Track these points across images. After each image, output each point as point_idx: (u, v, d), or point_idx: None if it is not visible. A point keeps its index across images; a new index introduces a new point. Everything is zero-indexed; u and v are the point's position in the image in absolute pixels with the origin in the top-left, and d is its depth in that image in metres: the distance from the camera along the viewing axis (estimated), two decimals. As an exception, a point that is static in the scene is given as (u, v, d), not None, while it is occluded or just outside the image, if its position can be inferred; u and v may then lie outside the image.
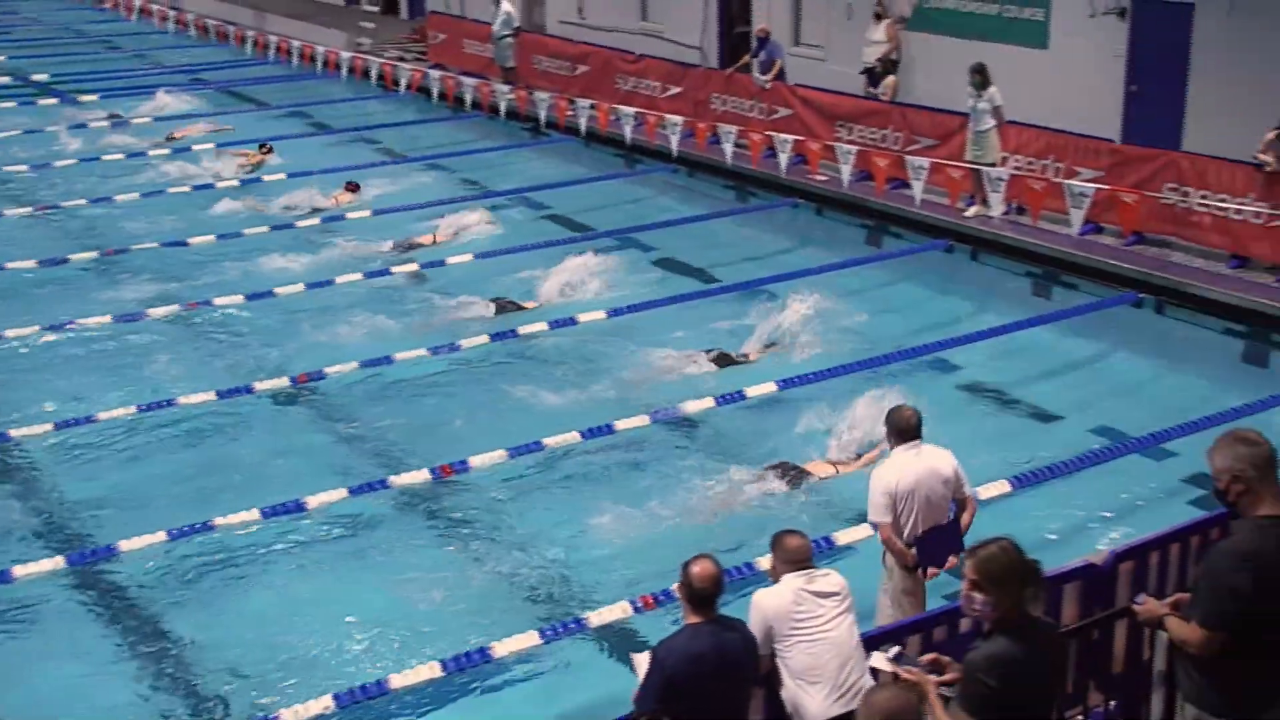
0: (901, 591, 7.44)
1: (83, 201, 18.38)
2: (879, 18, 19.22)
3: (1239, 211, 14.06)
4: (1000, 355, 12.69)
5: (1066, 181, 15.15)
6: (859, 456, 10.56)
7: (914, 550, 7.29)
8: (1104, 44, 16.96)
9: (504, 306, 14.18)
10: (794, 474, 10.26)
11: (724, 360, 12.57)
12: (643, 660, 5.96)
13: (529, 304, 14.32)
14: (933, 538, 7.28)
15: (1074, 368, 12.49)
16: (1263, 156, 13.76)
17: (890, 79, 18.85)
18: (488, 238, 16.78)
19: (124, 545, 9.39)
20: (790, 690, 5.95)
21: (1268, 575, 4.97)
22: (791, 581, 6.01)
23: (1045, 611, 6.51)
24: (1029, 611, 4.98)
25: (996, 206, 15.75)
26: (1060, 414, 11.48)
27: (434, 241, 16.58)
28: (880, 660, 5.52)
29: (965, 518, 7.44)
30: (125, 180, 19.52)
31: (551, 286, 14.74)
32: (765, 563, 6.49)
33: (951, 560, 7.36)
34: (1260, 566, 4.96)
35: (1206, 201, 14.35)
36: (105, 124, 22.98)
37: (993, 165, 15.84)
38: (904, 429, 7.36)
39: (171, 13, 33.13)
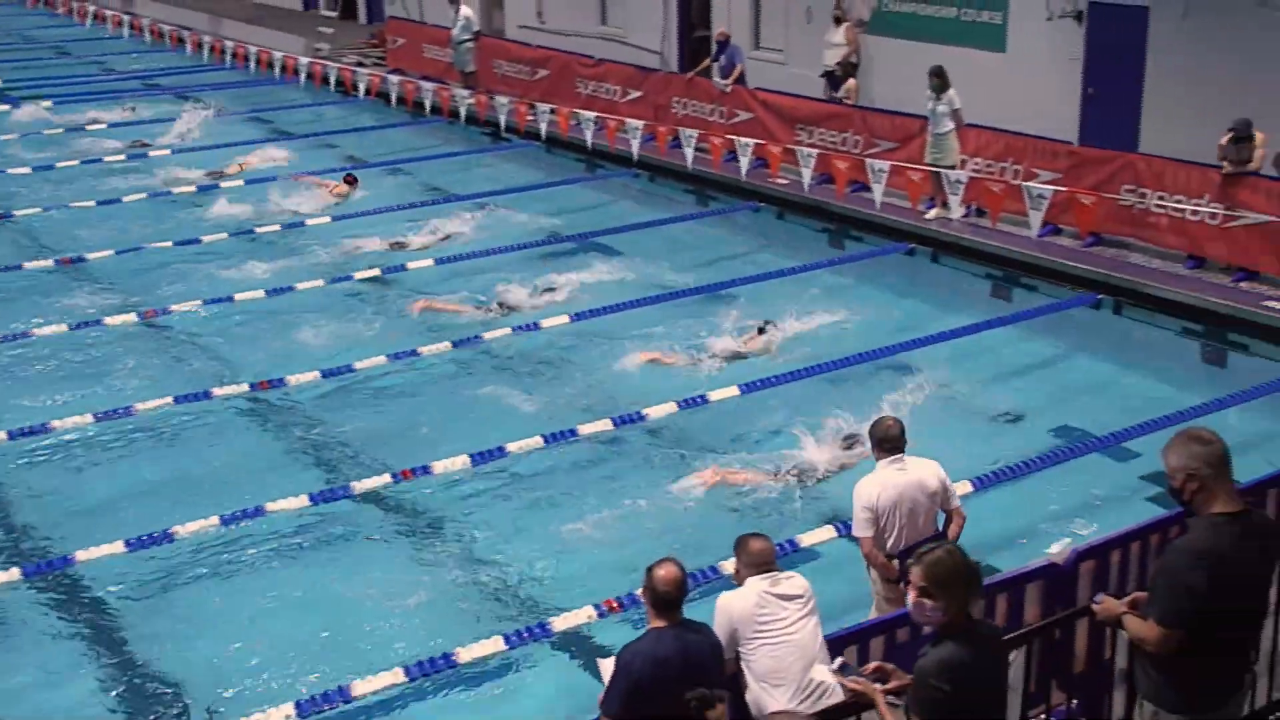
0: (885, 600, 7.42)
1: (37, 209, 18.16)
2: (838, 21, 19.31)
3: (1195, 213, 14.19)
4: (961, 357, 12.75)
5: (1025, 184, 15.25)
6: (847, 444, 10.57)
7: (897, 563, 7.19)
8: (1061, 47, 17.11)
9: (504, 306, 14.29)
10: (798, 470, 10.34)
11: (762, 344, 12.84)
12: (609, 665, 5.94)
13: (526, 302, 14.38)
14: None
15: (1034, 368, 12.56)
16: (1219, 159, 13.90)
17: (851, 82, 18.92)
18: (450, 244, 16.71)
19: (81, 555, 9.29)
20: (754, 692, 5.95)
21: (1223, 573, 5.01)
22: (755, 584, 6.01)
23: (1008, 612, 6.59)
24: (972, 615, 4.98)
25: (956, 209, 15.83)
26: (1020, 414, 11.54)
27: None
28: (823, 672, 5.53)
29: (953, 530, 7.38)
30: (80, 186, 19.30)
31: (514, 291, 14.70)
32: (729, 566, 6.47)
33: None
34: (1215, 564, 5.00)
35: (1163, 203, 14.48)
36: (59, 131, 22.75)
37: (952, 168, 15.93)
38: (886, 440, 7.29)
39: (125, 18, 32.85)
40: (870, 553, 7.25)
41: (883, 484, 7.20)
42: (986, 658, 4.95)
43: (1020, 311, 13.93)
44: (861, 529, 7.22)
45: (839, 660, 5.54)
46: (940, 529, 7.39)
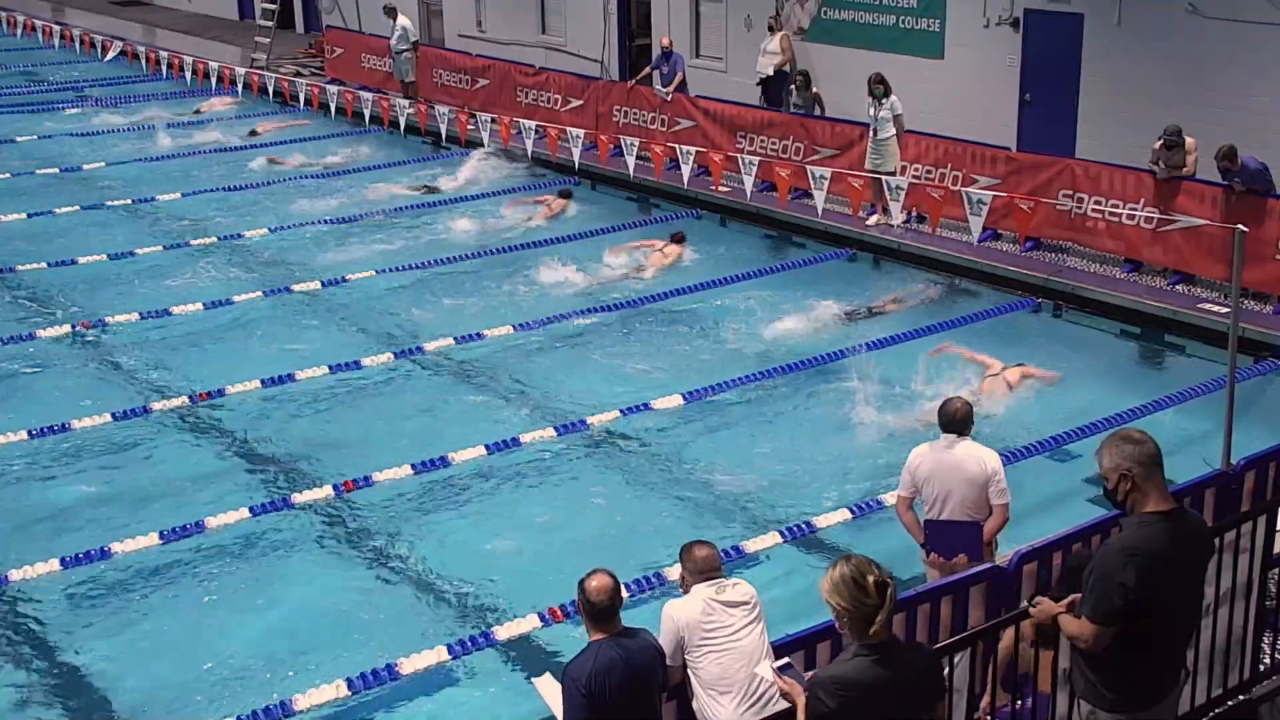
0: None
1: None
2: (772, 29, 19.40)
3: (1131, 217, 14.38)
4: (902, 362, 12.82)
5: (964, 189, 15.37)
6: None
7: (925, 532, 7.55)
8: (998, 54, 17.29)
9: None
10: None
11: None
12: (545, 685, 5.92)
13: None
14: (944, 530, 7.36)
15: (975, 374, 12.63)
16: (1153, 167, 14.08)
17: (815, 90, 18.92)
18: (387, 254, 16.60)
19: (15, 575, 9.12)
20: (701, 700, 5.93)
21: (1154, 570, 5.05)
22: (701, 591, 6.00)
23: (952, 614, 6.61)
24: (884, 631, 4.83)
25: (897, 215, 15.93)
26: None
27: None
28: (765, 669, 5.54)
29: (990, 524, 7.56)
30: (11, 201, 18.97)
31: (460, 302, 14.62)
32: (674, 573, 6.45)
33: (960, 559, 7.48)
34: (1146, 561, 5.04)
35: (1100, 207, 14.65)
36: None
37: (893, 174, 16.02)
38: (947, 420, 7.56)
39: (57, 28, 32.35)
40: (899, 511, 7.63)
41: (925, 455, 7.55)
42: (895, 680, 4.80)
43: (961, 316, 14.03)
44: (900, 488, 7.66)
45: (784, 659, 5.53)
46: (977, 520, 7.56)
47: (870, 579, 4.78)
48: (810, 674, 5.45)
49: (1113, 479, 5.19)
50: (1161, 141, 13.93)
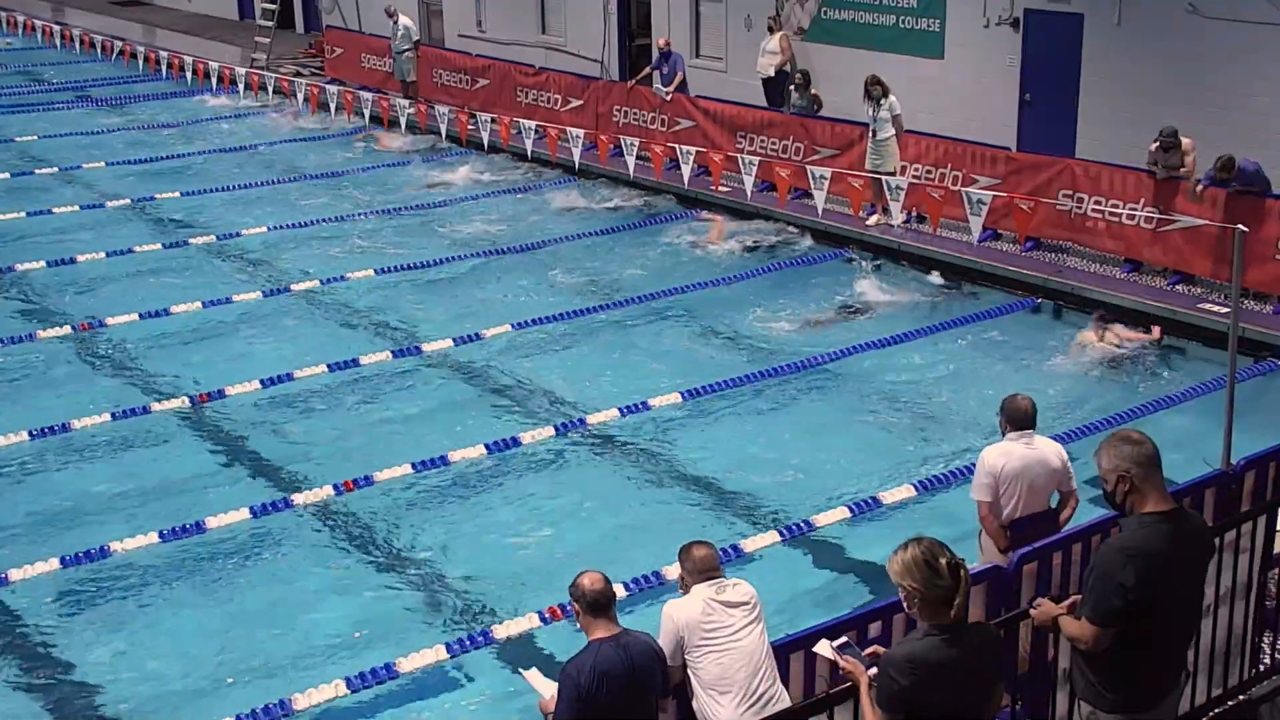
0: None
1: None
2: (772, 30, 19.40)
3: (1131, 217, 14.37)
4: (902, 362, 12.83)
5: (964, 189, 15.37)
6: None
7: (1008, 533, 7.34)
8: (998, 54, 17.29)
9: None
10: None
11: None
12: (535, 677, 5.92)
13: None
14: (1029, 525, 7.30)
15: (975, 373, 12.64)
16: (1150, 167, 14.08)
17: (813, 91, 18.94)
18: (386, 254, 16.60)
19: (15, 574, 9.12)
20: (701, 700, 5.92)
21: (1153, 570, 5.04)
22: (701, 591, 5.99)
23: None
24: (961, 613, 4.88)
25: (897, 215, 15.93)
26: (962, 418, 11.61)
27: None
28: (825, 648, 5.53)
29: (1066, 512, 7.49)
30: (11, 199, 18.97)
31: (458, 301, 14.62)
32: (673, 572, 6.45)
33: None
34: (1145, 562, 5.03)
35: (1100, 208, 14.65)
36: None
37: (893, 174, 16.02)
38: (1017, 417, 7.37)
39: (57, 28, 32.35)
40: (985, 517, 7.34)
41: (1008, 454, 7.28)
42: (964, 660, 4.85)
43: (961, 316, 14.03)
44: (981, 493, 7.31)
45: (843, 638, 5.53)
46: (1053, 507, 7.46)
47: (943, 561, 4.82)
48: (870, 651, 5.45)
49: (1111, 480, 5.18)
50: (1158, 143, 13.93)
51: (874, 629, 6.10)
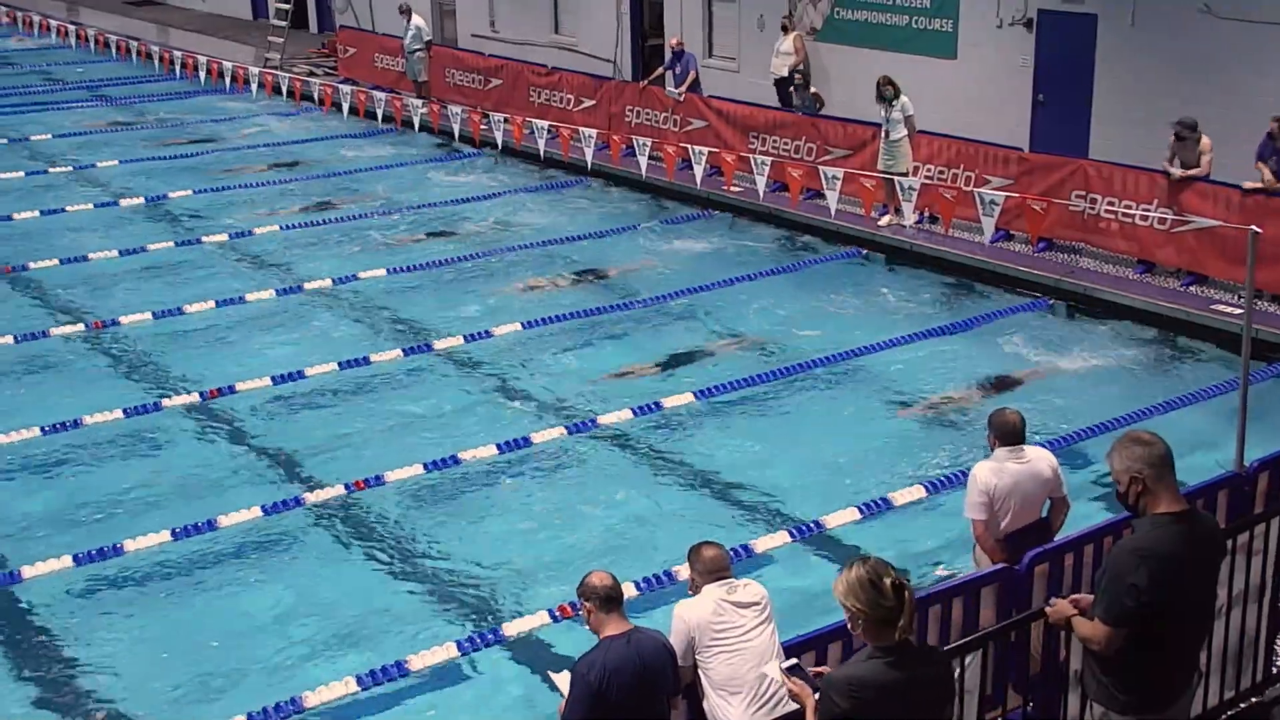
0: None
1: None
2: (786, 30, 19.38)
3: (1144, 218, 14.33)
4: (914, 362, 12.81)
5: (977, 190, 15.34)
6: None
7: (1004, 542, 7.30)
8: (1011, 54, 17.26)
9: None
10: None
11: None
12: (562, 679, 5.90)
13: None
14: (1022, 537, 7.28)
15: (985, 374, 12.62)
16: (1168, 167, 14.02)
17: (812, 90, 18.98)
18: (397, 252, 16.63)
19: (27, 571, 9.15)
20: (711, 701, 5.92)
21: (1166, 571, 5.03)
22: (712, 592, 5.98)
23: (964, 615, 6.59)
24: (905, 634, 4.78)
25: (909, 215, 15.90)
26: (974, 420, 11.58)
27: None
28: (774, 669, 5.53)
29: (1058, 519, 7.46)
30: (25, 198, 19.04)
31: (469, 300, 14.64)
32: (685, 572, 6.45)
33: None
34: (1158, 563, 5.02)
35: (1113, 208, 14.61)
36: (3, 142, 22.45)
37: (905, 174, 16.00)
38: (1006, 432, 7.33)
39: (72, 28, 32.48)
40: (981, 535, 7.29)
41: (1000, 471, 7.24)
42: (908, 682, 4.73)
43: (973, 317, 14.01)
44: (976, 512, 7.26)
45: (792, 660, 5.52)
46: (1044, 516, 7.43)
47: (887, 581, 4.72)
48: (815, 671, 5.43)
49: (1124, 481, 5.17)
50: (1173, 134, 13.88)
51: (833, 650, 6.09)
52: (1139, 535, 5.15)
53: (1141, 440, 5.19)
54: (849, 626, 4.85)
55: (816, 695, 5.07)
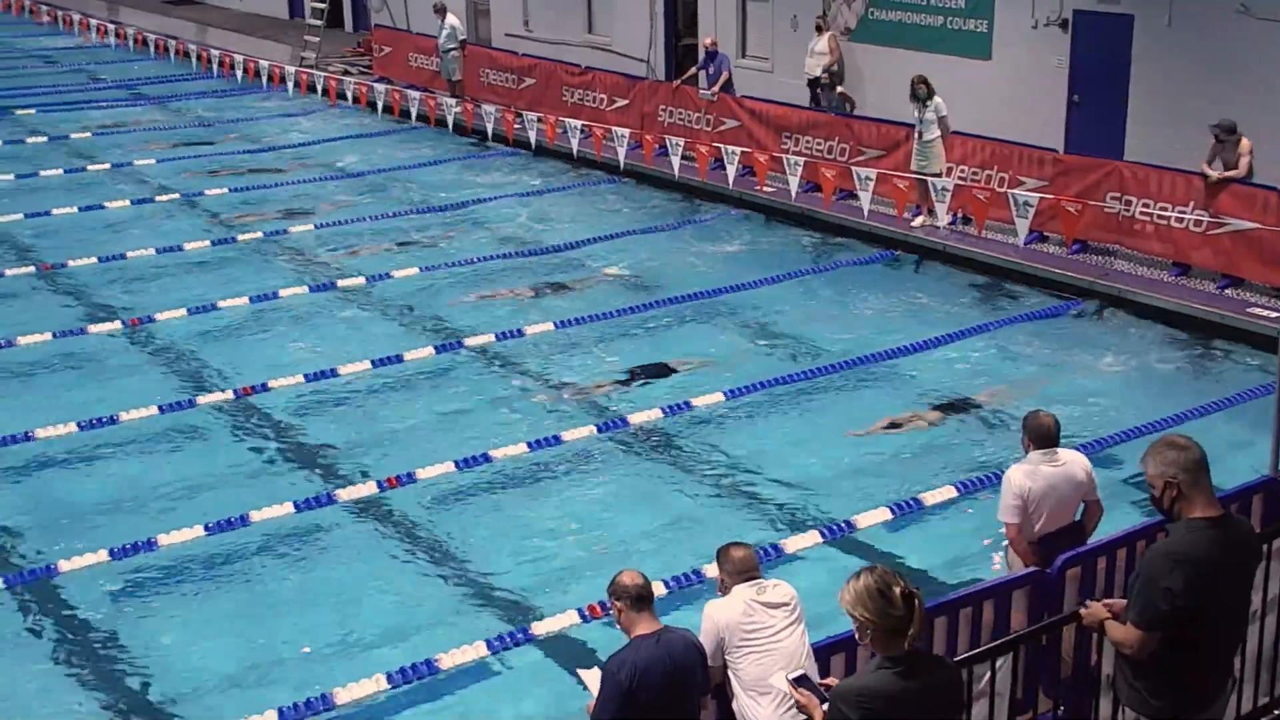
0: None
1: (19, 216, 18.08)
2: (820, 30, 19.35)
3: (1180, 219, 14.23)
4: (946, 364, 12.77)
5: (1011, 191, 15.27)
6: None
7: (1037, 545, 7.27)
8: (1046, 54, 17.16)
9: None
10: None
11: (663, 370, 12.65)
12: (590, 676, 5.92)
13: None
14: (1055, 540, 7.26)
15: (1018, 376, 12.57)
16: (1206, 169, 13.92)
17: (840, 90, 18.95)
18: (430, 251, 16.69)
19: (64, 565, 9.24)
20: (741, 701, 5.92)
21: (1200, 576, 5.01)
22: (742, 592, 5.98)
23: (995, 618, 6.57)
24: (914, 645, 4.75)
25: (942, 216, 15.85)
26: (1005, 422, 11.54)
27: None
28: (780, 680, 5.53)
29: (1091, 522, 7.44)
30: (64, 195, 19.22)
31: (501, 298, 14.67)
32: (714, 571, 6.45)
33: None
34: (1192, 567, 5.00)
35: (1148, 210, 14.52)
36: (44, 140, 22.69)
37: (938, 175, 15.94)
38: (1041, 434, 7.30)
39: (112, 27, 32.79)
40: (1015, 539, 7.26)
41: (1034, 474, 7.21)
42: (917, 693, 4.70)
43: (1006, 319, 13.95)
44: (1009, 515, 7.23)
45: (799, 671, 5.52)
46: (1078, 519, 7.40)
47: (896, 590, 4.69)
48: (823, 683, 5.43)
49: (1158, 485, 5.15)
50: (1213, 135, 13.78)
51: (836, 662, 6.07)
52: (1173, 539, 5.13)
53: (1176, 444, 5.17)
54: (857, 636, 4.82)
55: (825, 706, 5.06)
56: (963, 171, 16.36)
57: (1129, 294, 14.03)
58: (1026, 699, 6.42)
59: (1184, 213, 14.18)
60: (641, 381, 12.48)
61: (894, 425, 11.41)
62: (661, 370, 12.72)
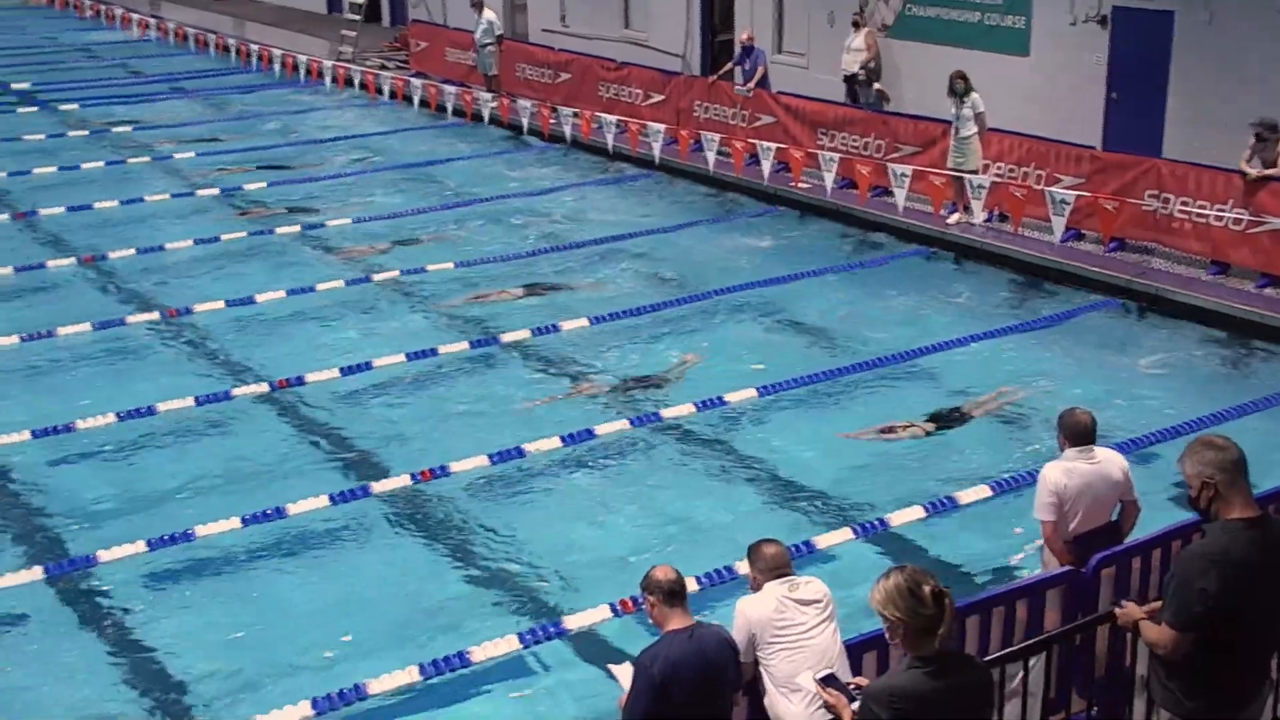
0: None
1: (60, 209, 18.26)
2: (857, 26, 19.29)
3: (1219, 218, 14.12)
4: (982, 362, 12.72)
5: (1048, 189, 15.19)
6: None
7: (1072, 544, 7.22)
8: (1085, 51, 17.04)
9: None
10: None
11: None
12: (621, 671, 5.94)
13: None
14: (1092, 540, 7.23)
15: (1055, 374, 12.50)
16: (1245, 166, 13.80)
17: (876, 86, 18.90)
18: (464, 246, 16.76)
19: (103, 555, 9.33)
20: (773, 697, 5.93)
21: (1236, 577, 4.99)
22: (774, 589, 5.99)
23: (1029, 617, 6.55)
24: (944, 644, 4.75)
25: (978, 213, 15.78)
26: (1042, 420, 11.48)
27: None
28: (807, 679, 5.54)
29: (1128, 522, 7.39)
30: (105, 188, 19.40)
31: (535, 293, 14.72)
32: (745, 567, 6.46)
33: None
34: (1228, 568, 4.98)
35: (1186, 208, 14.41)
36: (85, 133, 22.91)
37: (975, 172, 15.87)
38: (1078, 432, 7.25)
39: (153, 21, 33.08)
40: (1050, 537, 7.21)
41: (1071, 472, 7.15)
42: (947, 692, 4.70)
43: (1042, 317, 13.89)
44: (1045, 513, 7.17)
45: (826, 672, 5.52)
46: (1114, 519, 7.35)
47: (926, 588, 4.68)
48: (852, 683, 5.43)
49: (1195, 486, 5.13)
50: (1254, 133, 13.66)
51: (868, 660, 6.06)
52: (1210, 540, 5.11)
53: (1214, 445, 5.14)
54: (887, 636, 4.82)
55: (854, 705, 5.07)
56: (999, 168, 16.28)
57: (1167, 293, 13.93)
58: (1060, 699, 6.40)
59: (1223, 211, 14.07)
60: (674, 377, 12.50)
61: (930, 421, 11.38)
62: (693, 365, 12.72)
